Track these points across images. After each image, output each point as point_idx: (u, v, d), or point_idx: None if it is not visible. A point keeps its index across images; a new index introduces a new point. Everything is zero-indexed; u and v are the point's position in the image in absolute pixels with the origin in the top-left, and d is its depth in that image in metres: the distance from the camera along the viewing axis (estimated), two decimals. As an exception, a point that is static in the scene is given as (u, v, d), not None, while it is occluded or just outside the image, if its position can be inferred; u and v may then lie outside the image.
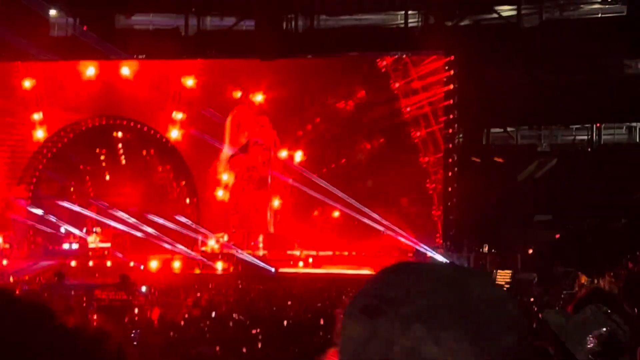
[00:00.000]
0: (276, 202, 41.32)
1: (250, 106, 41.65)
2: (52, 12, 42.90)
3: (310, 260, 38.04)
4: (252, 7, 39.44)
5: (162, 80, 40.95)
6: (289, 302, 24.81)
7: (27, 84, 42.35)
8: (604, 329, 4.69)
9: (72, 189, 41.84)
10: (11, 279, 33.86)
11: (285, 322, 20.52)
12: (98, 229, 39.80)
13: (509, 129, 37.67)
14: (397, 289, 1.65)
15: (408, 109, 39.59)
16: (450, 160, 37.34)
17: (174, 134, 42.06)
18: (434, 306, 1.59)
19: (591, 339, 4.69)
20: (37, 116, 42.64)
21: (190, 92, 41.91)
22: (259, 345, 17.56)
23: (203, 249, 39.34)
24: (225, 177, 41.46)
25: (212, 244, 39.52)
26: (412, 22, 38.71)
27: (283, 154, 41.13)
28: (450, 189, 37.16)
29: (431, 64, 39.15)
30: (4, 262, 36.29)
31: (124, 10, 40.94)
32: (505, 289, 31.96)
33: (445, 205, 37.24)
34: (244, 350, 17.04)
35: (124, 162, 42.02)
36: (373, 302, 1.65)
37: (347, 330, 1.67)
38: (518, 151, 37.09)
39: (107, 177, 41.91)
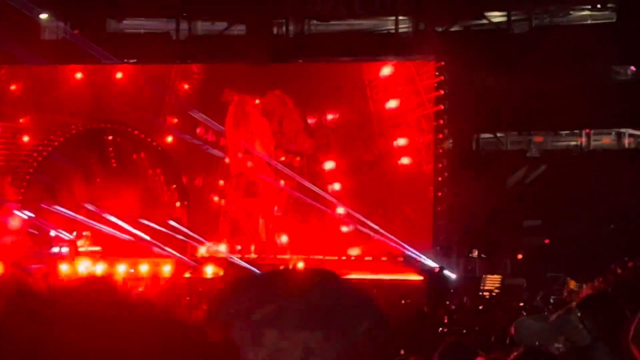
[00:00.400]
0: (274, 208, 41.02)
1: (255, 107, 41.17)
2: (43, 16, 42.90)
3: (300, 264, 38.01)
4: (243, 12, 39.50)
5: (154, 83, 40.86)
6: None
7: (14, 87, 42.28)
8: (565, 333, 4.95)
9: (62, 192, 41.74)
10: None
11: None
12: (88, 233, 39.77)
13: (498, 134, 37.82)
14: (246, 301, 1.70)
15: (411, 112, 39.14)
16: (439, 165, 37.44)
17: (169, 138, 41.93)
18: (282, 310, 1.64)
19: (558, 342, 4.93)
20: (23, 120, 42.54)
21: (184, 95, 41.77)
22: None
23: (195, 253, 39.35)
24: (222, 182, 41.35)
25: (202, 251, 39.56)
26: (403, 27, 38.85)
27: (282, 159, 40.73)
28: (439, 194, 37.26)
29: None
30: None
31: (115, 14, 40.98)
32: (494, 293, 32.12)
33: (435, 210, 37.33)
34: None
35: (114, 165, 41.96)
36: (223, 316, 1.70)
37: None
38: (507, 157, 37.23)
39: (98, 181, 41.85)
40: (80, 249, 39.14)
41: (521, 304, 25.28)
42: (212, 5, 39.19)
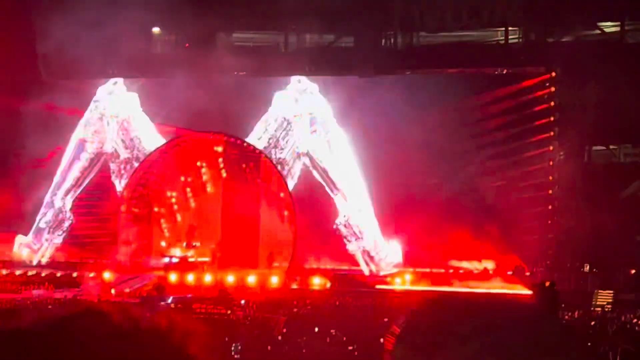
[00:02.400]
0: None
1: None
2: (155, 30, 43.77)
3: (407, 277, 37.80)
4: (351, 24, 39.56)
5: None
6: (386, 319, 24.72)
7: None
8: None
9: (173, 200, 42.31)
10: (113, 292, 34.57)
11: (381, 339, 20.41)
12: (198, 243, 40.22)
13: (611, 146, 36.99)
14: (455, 327, 1.58)
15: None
16: (550, 178, 36.78)
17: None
18: (491, 345, 1.53)
19: None
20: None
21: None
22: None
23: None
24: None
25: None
26: (513, 38, 38.36)
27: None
28: (550, 207, 36.60)
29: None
30: (106, 274, 36.95)
31: (225, 27, 41.51)
32: (606, 309, 31.34)
33: (545, 223, 36.65)
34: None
35: (224, 175, 42.30)
36: (428, 339, 1.58)
37: None
38: (621, 169, 36.38)
39: (209, 190, 42.24)
40: (190, 260, 39.61)
41: (635, 320, 24.64)
42: (321, 18, 39.34)
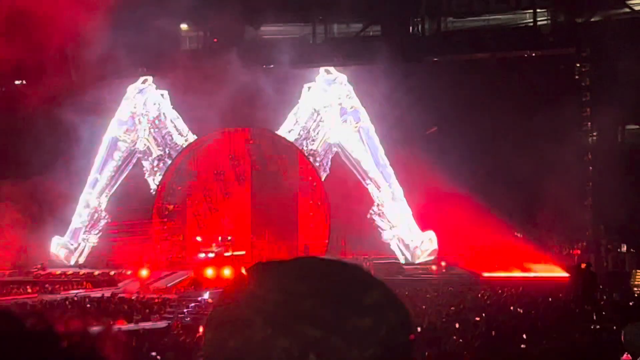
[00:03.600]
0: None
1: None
2: (183, 26, 43.96)
3: (443, 263, 37.67)
4: (378, 12, 39.50)
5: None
6: (424, 307, 24.65)
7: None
8: None
9: (206, 195, 42.42)
10: (150, 288, 34.75)
11: (418, 328, 20.35)
12: (232, 237, 40.30)
13: (645, 125, 36.68)
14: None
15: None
16: (585, 158, 36.49)
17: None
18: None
19: None
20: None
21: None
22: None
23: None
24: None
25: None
26: (541, 20, 38.12)
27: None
28: (585, 188, 36.33)
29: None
30: (144, 272, 37.14)
31: (252, 21, 41.60)
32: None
33: (581, 204, 36.38)
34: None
35: (257, 168, 42.31)
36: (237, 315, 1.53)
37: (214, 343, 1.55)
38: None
39: (241, 183, 42.30)
40: (225, 254, 39.67)
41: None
42: (348, 8, 39.27)
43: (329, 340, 1.47)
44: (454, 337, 17.02)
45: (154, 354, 16.56)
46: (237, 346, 1.49)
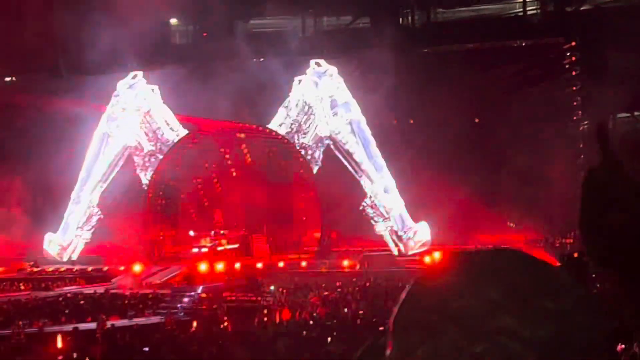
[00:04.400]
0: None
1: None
2: (173, 21, 43.87)
3: (437, 255, 37.63)
4: (367, 4, 39.44)
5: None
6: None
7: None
8: None
9: (199, 189, 42.35)
10: (144, 283, 34.70)
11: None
12: (225, 231, 40.26)
13: (636, 113, 36.70)
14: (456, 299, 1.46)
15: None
16: (576, 147, 36.54)
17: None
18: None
19: None
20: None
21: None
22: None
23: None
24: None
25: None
26: (531, 9, 38.13)
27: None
28: (576, 178, 36.33)
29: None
30: (137, 267, 37.05)
31: (242, 15, 41.51)
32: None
33: (572, 193, 36.37)
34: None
35: (248, 161, 42.26)
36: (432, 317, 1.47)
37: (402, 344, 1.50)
38: (646, 136, 36.07)
39: (234, 174, 42.19)
40: (218, 248, 39.64)
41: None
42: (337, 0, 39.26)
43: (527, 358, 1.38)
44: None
45: (146, 349, 16.60)
46: (426, 356, 1.43)
